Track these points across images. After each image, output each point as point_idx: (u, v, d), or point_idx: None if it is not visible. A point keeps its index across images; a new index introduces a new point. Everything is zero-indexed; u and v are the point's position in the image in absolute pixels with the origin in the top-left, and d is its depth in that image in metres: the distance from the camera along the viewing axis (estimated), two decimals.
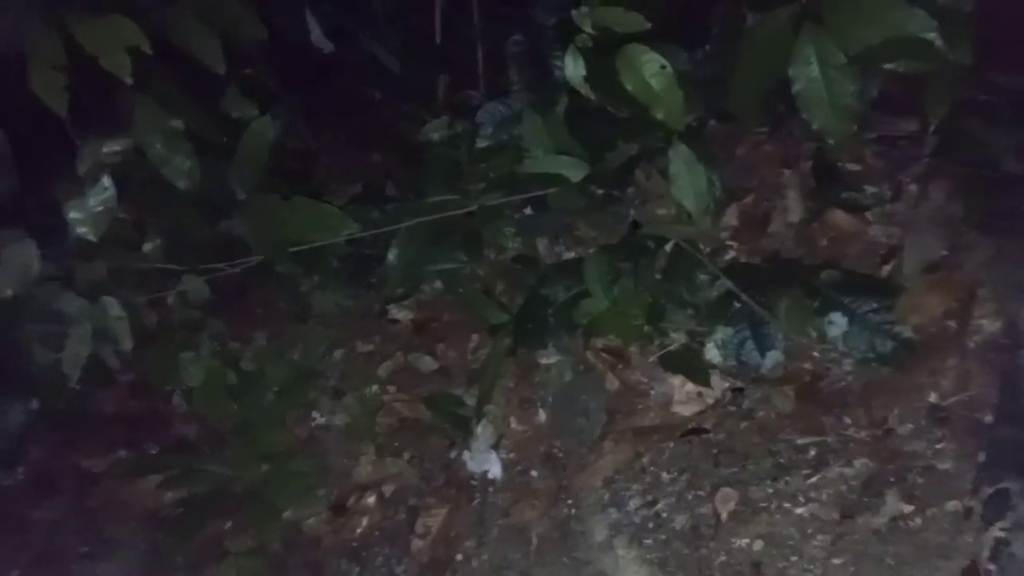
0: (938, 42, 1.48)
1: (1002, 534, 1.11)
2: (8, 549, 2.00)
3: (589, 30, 1.66)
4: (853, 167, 1.65)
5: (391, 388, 1.86)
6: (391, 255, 1.91)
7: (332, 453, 1.86)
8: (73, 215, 1.80)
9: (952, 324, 1.41)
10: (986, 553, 1.13)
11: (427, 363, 1.88)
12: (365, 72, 2.37)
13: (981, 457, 1.25)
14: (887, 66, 1.54)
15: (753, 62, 1.65)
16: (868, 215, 1.60)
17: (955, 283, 1.44)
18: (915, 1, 1.50)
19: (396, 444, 1.79)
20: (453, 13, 2.35)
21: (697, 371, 1.56)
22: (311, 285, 2.05)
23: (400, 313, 2.00)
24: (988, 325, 1.37)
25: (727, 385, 1.55)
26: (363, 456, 1.80)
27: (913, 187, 1.58)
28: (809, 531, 1.33)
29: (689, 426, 1.54)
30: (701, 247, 1.65)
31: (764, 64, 1.62)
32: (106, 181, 1.80)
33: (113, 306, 1.90)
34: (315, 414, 1.92)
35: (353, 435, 1.84)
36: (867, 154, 1.65)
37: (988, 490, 1.18)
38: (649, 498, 1.49)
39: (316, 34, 2.28)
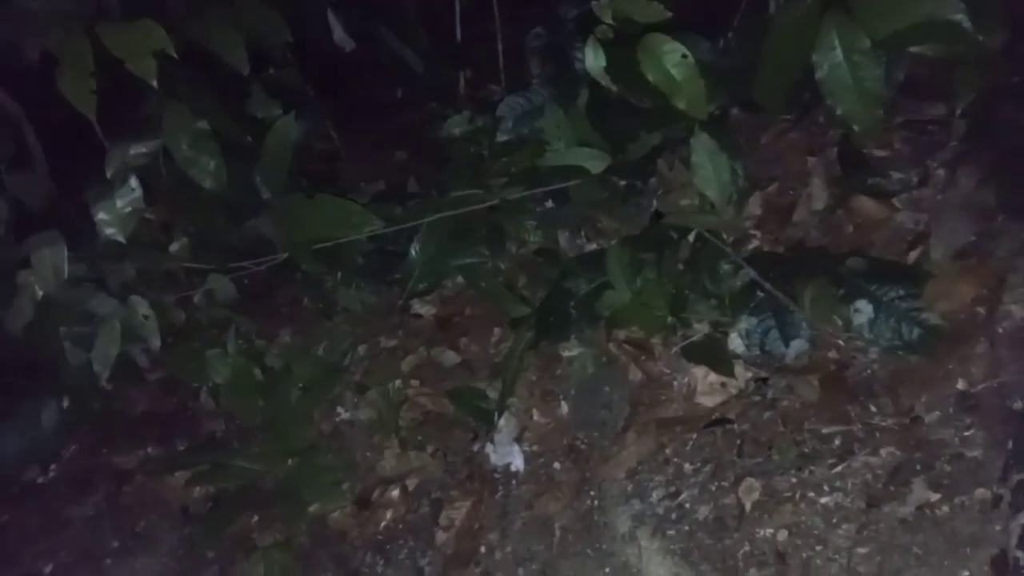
0: (966, 24, 1.49)
1: (1019, 522, 1.12)
2: (43, 545, 2.09)
3: (609, 21, 1.69)
4: (879, 153, 1.66)
5: (414, 382, 1.92)
6: (413, 251, 1.97)
7: (357, 447, 1.92)
8: (101, 217, 1.89)
9: (981, 311, 1.42)
10: (1014, 541, 1.14)
11: (450, 357, 1.93)
12: (388, 70, 2.44)
13: (1010, 445, 1.26)
14: (914, 50, 1.56)
15: (778, 50, 1.67)
16: (895, 201, 1.61)
17: (984, 269, 1.45)
18: None
19: (420, 438, 1.84)
20: (473, 9, 2.40)
21: (721, 361, 1.58)
22: (335, 282, 2.11)
23: (423, 308, 2.05)
24: (1018, 311, 1.38)
25: (751, 375, 1.57)
26: (387, 450, 1.86)
27: (941, 172, 1.59)
28: (834, 521, 1.34)
29: (713, 417, 1.56)
30: (724, 237, 1.68)
31: (789, 52, 1.64)
32: (133, 183, 1.88)
33: (142, 305, 1.98)
34: (340, 409, 1.98)
35: (377, 429, 1.89)
36: (894, 140, 1.67)
37: (1017, 477, 1.19)
38: (672, 489, 1.52)
39: (338, 33, 2.35)
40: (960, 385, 1.38)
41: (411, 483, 1.80)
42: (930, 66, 1.58)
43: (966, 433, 1.33)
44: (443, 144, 2.20)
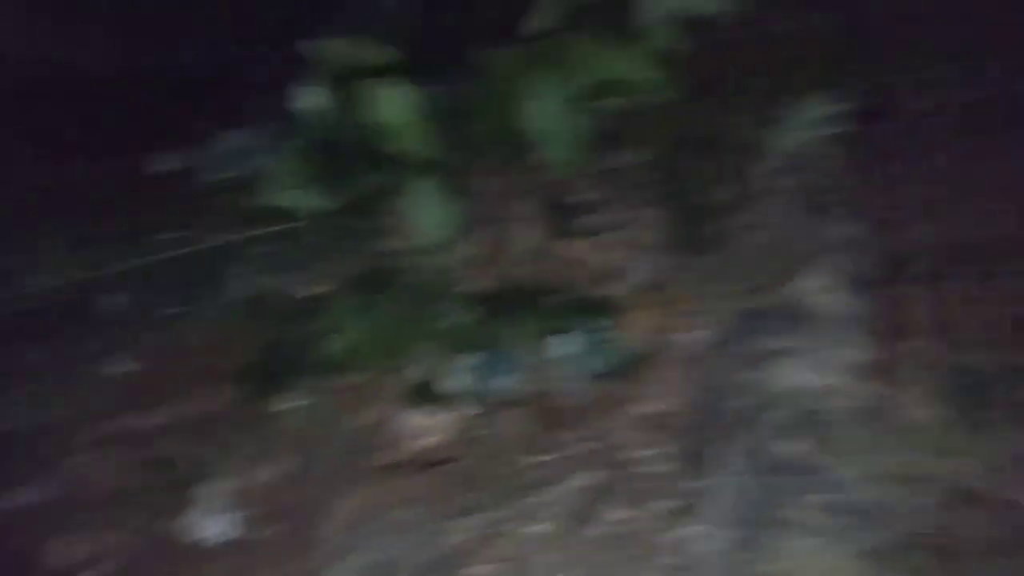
0: (651, 83, 1.75)
1: (693, 528, 1.28)
2: None
3: (332, 62, 1.75)
4: (581, 197, 1.86)
5: (109, 451, 1.76)
6: (110, 302, 1.84)
7: (42, 533, 1.72)
8: None
9: (666, 339, 1.62)
10: (687, 545, 1.30)
11: (151, 419, 1.80)
12: (96, 99, 2.29)
13: (686, 459, 1.44)
14: (615, 103, 1.80)
15: (489, 98, 1.83)
16: (595, 241, 1.80)
17: (670, 301, 1.67)
18: (630, 45, 1.77)
19: (116, 513, 1.69)
20: (203, 42, 2.35)
21: (441, 401, 1.65)
22: None
23: (118, 367, 1.90)
24: (695, 340, 1.60)
25: (470, 412, 1.65)
26: (77, 532, 1.68)
27: (633, 214, 1.82)
28: (544, 547, 1.44)
29: (434, 457, 1.61)
30: (444, 277, 1.76)
31: (498, 100, 1.81)
32: None
33: None
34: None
35: (64, 508, 1.71)
36: (595, 185, 1.87)
37: (690, 487, 1.36)
38: (393, 536, 1.54)
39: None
40: (651, 408, 1.57)
41: (106, 567, 1.64)
42: (627, 118, 1.83)
43: (655, 451, 1.50)
44: (155, 183, 2.10)
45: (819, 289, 1.43)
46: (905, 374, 1.47)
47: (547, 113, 1.68)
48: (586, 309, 1.65)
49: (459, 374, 1.63)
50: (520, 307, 1.67)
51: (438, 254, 1.73)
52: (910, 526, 1.32)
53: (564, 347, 1.62)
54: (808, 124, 1.68)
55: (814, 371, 1.33)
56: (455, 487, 1.56)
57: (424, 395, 1.65)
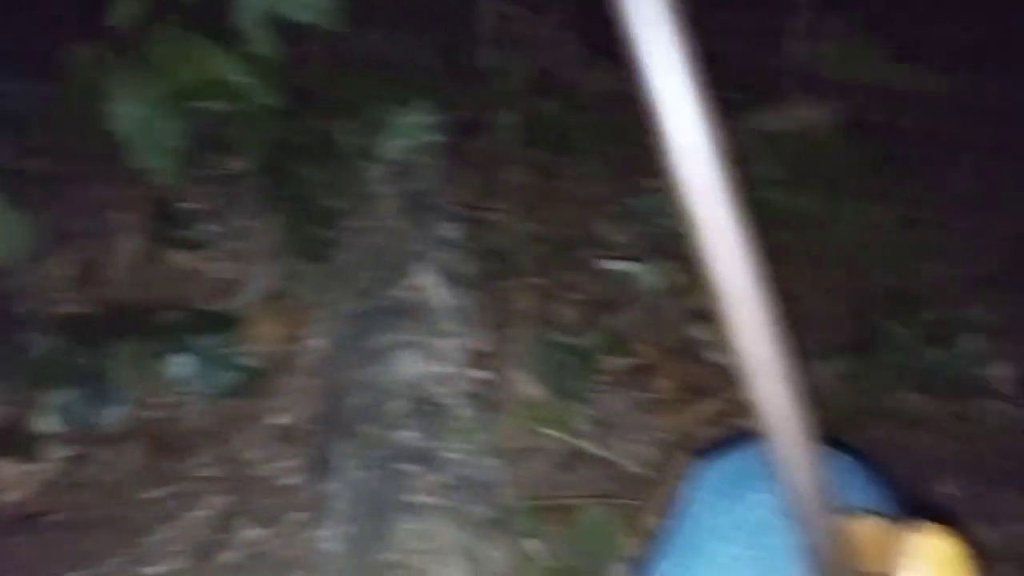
0: (249, 87, 1.74)
1: (323, 533, 1.31)
2: None
3: None
4: (189, 206, 1.78)
5: None
6: None
7: None
8: None
9: (290, 348, 1.63)
10: (309, 556, 1.32)
11: None
12: None
13: (314, 465, 1.47)
14: (215, 107, 1.75)
15: (71, 98, 1.67)
16: (206, 252, 1.74)
17: (290, 309, 1.68)
18: (228, 48, 1.74)
19: None
20: None
21: (26, 446, 1.45)
22: None
23: None
24: (318, 344, 1.64)
25: (68, 454, 1.48)
26: None
27: (246, 222, 1.79)
28: None
29: (23, 513, 1.42)
30: (26, 301, 1.56)
31: (81, 100, 1.65)
32: None
33: None
34: None
35: None
36: (201, 193, 1.81)
37: (316, 494, 1.39)
38: None
39: None
40: (279, 419, 1.56)
41: None
42: (228, 122, 1.79)
43: (285, 463, 1.50)
44: None
45: (429, 286, 1.56)
46: (510, 357, 1.67)
47: (134, 116, 1.58)
48: (202, 324, 1.58)
49: (52, 411, 1.46)
50: (124, 328, 1.54)
51: (14, 275, 1.52)
52: (524, 492, 1.50)
53: (180, 367, 1.54)
54: (411, 133, 1.82)
55: (428, 361, 1.45)
56: (59, 540, 1.39)
57: (7, 441, 1.44)
